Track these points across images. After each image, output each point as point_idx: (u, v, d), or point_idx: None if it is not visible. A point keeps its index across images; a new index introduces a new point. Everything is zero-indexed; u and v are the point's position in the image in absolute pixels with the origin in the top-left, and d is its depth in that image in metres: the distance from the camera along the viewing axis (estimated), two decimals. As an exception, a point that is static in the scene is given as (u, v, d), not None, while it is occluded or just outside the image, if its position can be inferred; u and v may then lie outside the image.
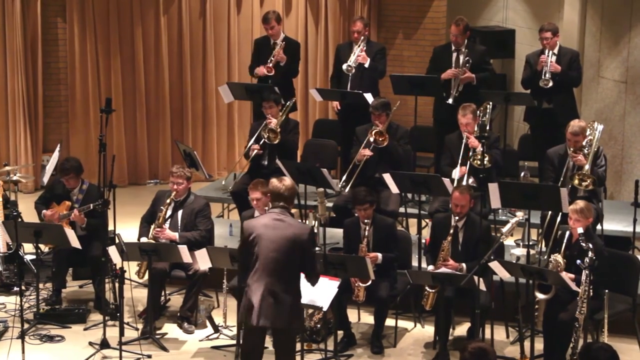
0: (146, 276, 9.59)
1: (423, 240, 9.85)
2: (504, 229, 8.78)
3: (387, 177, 9.90)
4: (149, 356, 9.00)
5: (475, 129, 10.35)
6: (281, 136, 11.03)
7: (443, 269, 9.03)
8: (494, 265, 8.60)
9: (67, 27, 13.54)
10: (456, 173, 10.25)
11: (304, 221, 9.99)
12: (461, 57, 11.62)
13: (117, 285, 9.02)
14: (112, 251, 9.08)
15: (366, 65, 11.91)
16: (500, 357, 8.81)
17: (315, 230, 9.69)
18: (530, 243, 9.86)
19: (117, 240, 8.98)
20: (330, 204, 10.73)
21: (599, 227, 9.95)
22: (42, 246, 10.39)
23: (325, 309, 8.57)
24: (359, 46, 11.94)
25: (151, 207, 10.04)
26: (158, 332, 9.49)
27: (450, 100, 11.52)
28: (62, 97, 13.78)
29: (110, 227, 9.63)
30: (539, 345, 8.82)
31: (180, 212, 9.85)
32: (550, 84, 11.17)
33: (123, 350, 8.73)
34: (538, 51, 11.44)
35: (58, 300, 9.94)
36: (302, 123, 13.49)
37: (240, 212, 10.70)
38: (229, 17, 13.99)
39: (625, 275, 8.93)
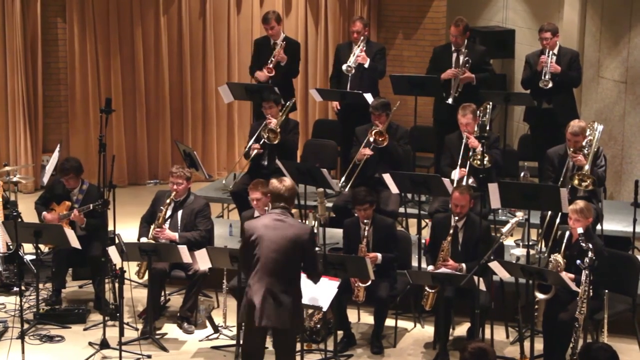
0: (146, 276, 9.59)
1: (423, 241, 9.85)
2: (504, 229, 8.78)
3: (387, 177, 9.90)
4: (149, 356, 9.00)
5: (475, 129, 10.34)
6: (281, 136, 11.03)
7: (443, 269, 9.03)
8: (494, 265, 8.60)
9: (67, 27, 13.55)
10: (455, 174, 10.25)
11: (303, 221, 9.99)
12: (461, 57, 11.62)
13: (117, 285, 9.02)
14: (112, 251, 9.08)
15: (366, 66, 11.91)
16: (500, 357, 8.81)
17: (315, 231, 9.69)
18: (530, 243, 9.86)
19: (117, 241, 8.98)
20: (330, 204, 10.73)
21: (598, 227, 9.95)
22: (42, 246, 10.39)
23: (325, 309, 8.57)
24: (358, 46, 11.94)
25: (151, 207, 10.04)
26: (158, 332, 9.49)
27: (450, 100, 11.52)
28: (62, 97, 13.79)
29: (110, 227, 9.63)
30: (539, 346, 8.82)
31: (180, 212, 9.85)
32: (550, 84, 11.18)
33: (123, 350, 8.73)
34: (538, 51, 11.44)
35: (58, 301, 9.94)
36: (302, 123, 13.49)
37: (240, 212, 10.70)
38: (228, 17, 13.99)
39: (625, 275, 8.93)
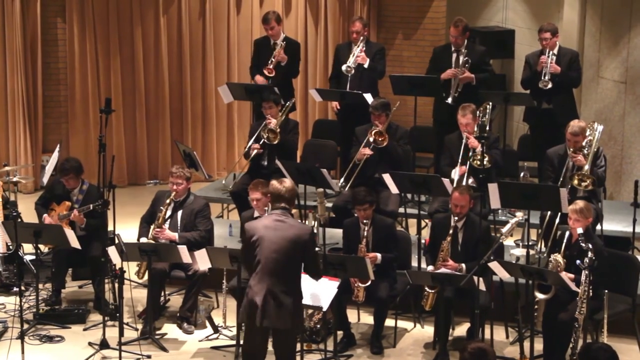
0: (146, 276, 9.59)
1: (423, 241, 9.85)
2: (504, 229, 8.79)
3: (387, 178, 9.90)
4: (149, 356, 9.00)
5: (475, 129, 10.34)
6: (281, 136, 11.02)
7: (443, 270, 9.03)
8: (494, 265, 8.60)
9: (66, 27, 13.55)
10: (456, 173, 10.25)
11: (303, 221, 9.99)
12: (461, 58, 11.62)
13: (116, 285, 9.02)
14: (112, 251, 9.08)
15: (365, 66, 11.90)
16: (499, 358, 8.82)
17: (315, 231, 9.68)
18: (530, 243, 9.87)
19: (116, 241, 8.98)
20: (329, 204, 10.73)
21: (598, 227, 9.95)
22: (41, 246, 10.38)
23: (325, 309, 8.57)
24: (358, 47, 11.93)
25: (151, 207, 10.04)
26: (158, 332, 9.49)
27: (449, 100, 11.52)
28: (61, 98, 13.79)
29: (110, 228, 9.63)
30: (539, 346, 8.82)
31: (179, 213, 9.85)
32: (550, 85, 11.17)
33: (123, 350, 8.73)
34: (538, 51, 11.44)
35: (58, 301, 9.94)
36: (302, 123, 13.49)
37: (240, 212, 10.70)
38: (228, 17, 13.99)
39: (624, 275, 8.93)
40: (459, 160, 10.30)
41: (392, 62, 13.64)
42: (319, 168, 10.11)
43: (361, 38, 11.95)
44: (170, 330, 9.62)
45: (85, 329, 9.57)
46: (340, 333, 9.23)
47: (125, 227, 10.51)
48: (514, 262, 9.36)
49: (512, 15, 14.12)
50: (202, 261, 9.15)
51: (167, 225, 9.81)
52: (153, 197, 10.13)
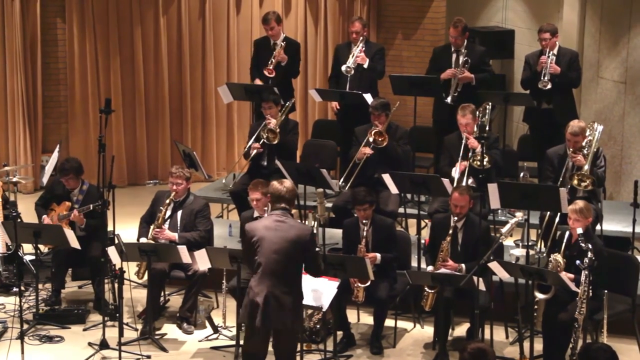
0: (145, 277, 9.59)
1: (422, 241, 9.85)
2: (504, 230, 8.79)
3: (387, 178, 9.90)
4: (149, 357, 9.00)
5: (475, 129, 10.34)
6: (280, 137, 11.02)
7: (442, 270, 9.03)
8: (494, 265, 8.60)
9: (66, 27, 13.54)
10: (456, 171, 10.25)
11: (303, 222, 9.99)
12: (460, 58, 11.62)
13: (116, 285, 9.02)
14: (112, 252, 9.08)
15: (365, 66, 11.90)
16: (499, 358, 8.82)
17: (315, 231, 9.68)
18: (530, 243, 9.87)
19: (116, 241, 8.98)
20: (329, 205, 10.73)
21: (598, 227, 9.95)
22: (41, 247, 10.38)
23: (324, 309, 8.57)
24: (357, 47, 11.93)
25: (150, 207, 10.04)
26: (157, 332, 9.49)
27: (448, 100, 11.53)
28: (61, 98, 13.79)
29: (110, 228, 9.63)
30: (538, 346, 8.82)
31: (179, 213, 9.85)
32: (549, 86, 11.17)
33: (122, 350, 8.73)
34: (537, 52, 11.44)
35: (57, 301, 9.94)
36: (302, 123, 13.49)
37: (240, 212, 10.70)
38: (228, 17, 13.99)
39: (624, 275, 8.92)
40: (459, 161, 10.30)
41: (391, 62, 13.64)
42: (319, 168, 10.11)
43: (361, 38, 11.95)
44: (170, 330, 9.62)
45: (85, 329, 9.57)
46: (340, 333, 9.23)
47: (125, 228, 10.51)
48: (513, 262, 9.36)
49: (511, 15, 14.12)
50: (202, 261, 9.15)
51: (166, 225, 9.81)
52: (153, 197, 10.13)
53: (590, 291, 8.23)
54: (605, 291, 8.70)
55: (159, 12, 13.75)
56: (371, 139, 10.60)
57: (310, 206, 10.46)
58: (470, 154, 10.23)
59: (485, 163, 9.94)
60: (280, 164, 10.36)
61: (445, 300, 8.91)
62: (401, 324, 9.66)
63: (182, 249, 9.10)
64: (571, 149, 9.82)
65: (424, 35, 14.04)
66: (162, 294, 9.93)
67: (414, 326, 9.73)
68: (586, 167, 9.69)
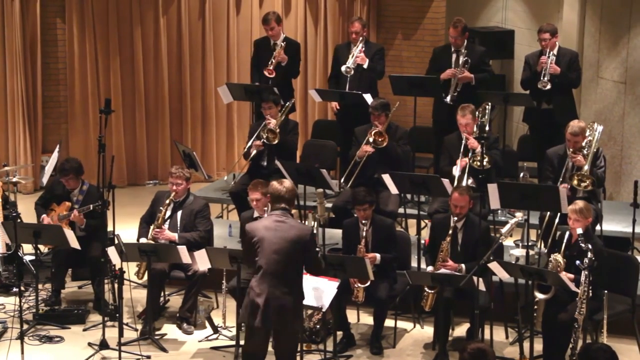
0: (145, 277, 9.59)
1: (422, 241, 9.85)
2: (503, 230, 8.79)
3: (387, 178, 9.90)
4: (148, 357, 9.00)
5: (475, 129, 10.35)
6: (280, 137, 11.02)
7: (442, 270, 9.03)
8: (493, 266, 8.60)
9: (66, 27, 13.55)
10: (457, 169, 10.25)
11: (303, 222, 9.99)
12: (460, 58, 11.62)
13: (116, 286, 9.02)
14: (112, 252, 9.08)
15: (365, 66, 11.90)
16: (499, 358, 8.81)
17: (315, 231, 9.68)
18: (530, 244, 9.86)
19: (116, 241, 8.98)
20: (329, 205, 10.73)
21: (598, 227, 9.95)
22: (41, 247, 10.38)
23: (324, 309, 8.57)
24: (357, 47, 11.93)
25: (150, 207, 10.04)
26: (157, 332, 9.49)
27: (447, 99, 11.52)
28: (61, 98, 13.79)
29: (110, 228, 9.63)
30: (538, 346, 8.82)
31: (179, 213, 9.85)
32: (549, 86, 11.17)
33: (122, 351, 8.73)
34: (537, 52, 11.44)
35: (57, 301, 9.94)
36: (302, 124, 13.49)
37: (240, 212, 10.70)
38: (228, 17, 13.99)
39: (624, 276, 8.93)
40: (460, 157, 10.30)
41: (391, 63, 13.64)
42: (319, 168, 10.11)
43: (360, 38, 11.95)
44: (169, 330, 9.62)
45: (84, 330, 9.57)
46: (339, 333, 9.23)
47: (125, 228, 10.50)
48: (513, 262, 9.36)
49: (511, 15, 14.12)
50: (202, 261, 9.15)
51: (166, 225, 9.81)
52: (153, 197, 10.13)
53: (590, 291, 8.23)
54: (605, 291, 8.70)
55: (158, 12, 13.75)
56: (371, 140, 10.60)
57: (310, 206, 10.46)
58: (470, 154, 10.23)
59: (485, 163, 9.94)
60: (280, 164, 10.36)
61: (445, 301, 8.91)
62: (401, 324, 9.66)
63: (182, 249, 9.11)
64: (571, 149, 9.82)
65: (423, 35, 14.05)
66: (162, 294, 9.93)
67: (414, 326, 9.73)
68: (586, 167, 9.69)
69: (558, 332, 8.54)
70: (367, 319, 9.63)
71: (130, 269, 9.55)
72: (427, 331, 9.56)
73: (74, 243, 9.39)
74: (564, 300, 8.58)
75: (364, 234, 9.23)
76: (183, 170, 9.91)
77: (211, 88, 13.92)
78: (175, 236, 9.72)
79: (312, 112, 14.22)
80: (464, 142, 10.30)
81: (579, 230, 8.55)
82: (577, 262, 8.28)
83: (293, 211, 9.10)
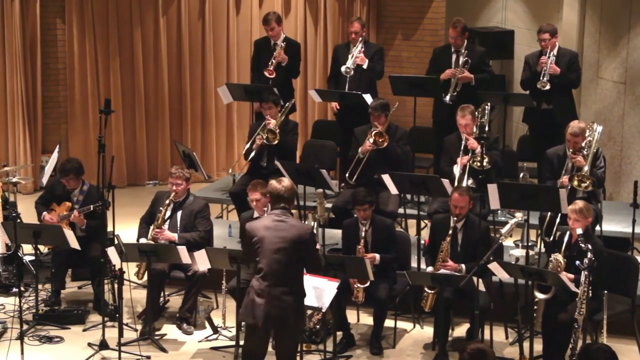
0: (145, 277, 9.59)
1: (422, 241, 9.85)
2: (503, 230, 8.79)
3: (386, 178, 9.90)
4: (148, 357, 9.00)
5: (474, 130, 10.35)
6: (280, 137, 11.02)
7: (442, 270, 9.03)
8: (493, 266, 8.60)
9: (66, 28, 13.55)
10: (457, 168, 10.25)
11: (303, 222, 9.98)
12: (461, 58, 11.62)
13: (116, 286, 9.02)
14: (111, 252, 9.08)
15: (364, 67, 11.90)
16: (499, 358, 8.81)
17: (315, 231, 9.68)
18: (529, 244, 9.86)
19: (116, 241, 8.98)
20: (329, 205, 10.73)
21: (598, 228, 9.95)
22: (41, 247, 10.38)
23: (324, 309, 8.57)
24: (356, 47, 11.93)
25: (150, 208, 10.04)
26: (157, 333, 9.49)
27: (447, 99, 11.52)
28: (61, 98, 13.79)
29: (110, 228, 9.63)
30: (538, 346, 8.82)
31: (179, 213, 9.85)
32: (548, 86, 11.17)
33: (122, 351, 8.73)
34: (537, 52, 11.44)
35: (57, 301, 9.94)
36: (301, 124, 13.49)
37: (239, 213, 10.70)
38: (228, 18, 13.99)
39: (624, 276, 8.93)
40: (460, 156, 10.30)
41: (391, 63, 13.64)
42: (319, 169, 10.11)
43: (360, 39, 11.95)
44: (169, 330, 9.62)
45: (84, 330, 9.57)
46: (339, 334, 9.23)
47: (125, 228, 10.51)
48: (513, 262, 9.36)
49: (511, 15, 14.12)
50: (202, 262, 9.15)
51: (166, 225, 9.81)
52: (152, 197, 10.13)
53: (590, 291, 8.23)
54: (605, 291, 8.69)
55: (158, 12, 13.75)
56: (372, 140, 10.59)
57: (310, 207, 10.46)
58: (470, 154, 10.23)
59: (485, 164, 9.94)
60: (279, 164, 10.36)
61: (445, 301, 8.91)
62: (401, 324, 9.66)
63: (182, 250, 9.11)
64: (571, 150, 9.82)
65: (423, 35, 14.04)
66: (162, 294, 9.93)
67: (414, 327, 9.73)
68: (586, 167, 9.69)
69: (558, 333, 8.54)
70: (367, 319, 9.63)
71: (130, 269, 9.55)
72: (427, 331, 9.56)
73: (74, 243, 9.39)
74: (564, 301, 8.58)
75: (364, 234, 9.23)
76: (183, 171, 9.91)
77: (211, 88, 13.92)
78: (175, 236, 9.72)
79: (312, 113, 14.23)
80: (463, 142, 10.30)
81: (579, 231, 8.55)
82: (577, 262, 8.28)
83: (293, 211, 9.10)
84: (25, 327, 9.21)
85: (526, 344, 8.84)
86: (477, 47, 12.14)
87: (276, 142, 11.00)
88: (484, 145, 9.85)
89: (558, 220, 9.60)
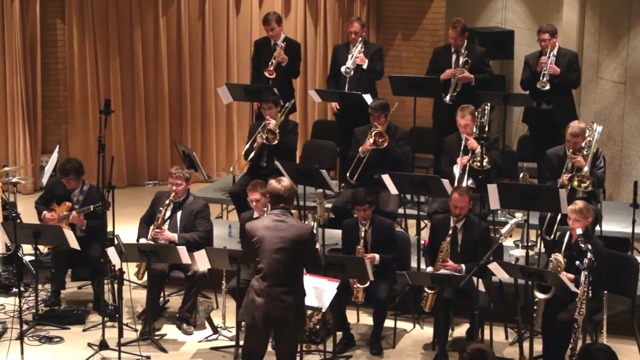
0: (145, 277, 9.59)
1: (422, 242, 9.85)
2: (503, 230, 8.79)
3: (386, 178, 9.90)
4: (148, 357, 9.00)
5: (474, 130, 10.35)
6: (280, 137, 11.02)
7: (442, 270, 9.03)
8: (493, 266, 8.60)
9: (66, 28, 13.55)
10: (457, 169, 10.25)
11: (303, 222, 9.98)
12: (461, 58, 11.62)
13: (116, 286, 9.01)
14: (111, 252, 9.08)
15: (364, 67, 11.90)
16: (499, 358, 8.81)
17: (315, 231, 9.67)
18: (529, 244, 9.86)
19: (116, 241, 8.98)
20: (329, 205, 10.73)
21: (597, 228, 9.95)
22: (41, 247, 10.38)
23: (324, 309, 8.57)
24: (356, 48, 11.93)
25: (150, 208, 10.04)
26: (157, 333, 9.49)
27: (447, 99, 11.52)
28: (61, 98, 13.79)
29: (110, 228, 9.63)
30: (538, 346, 8.82)
31: (179, 213, 9.85)
32: (547, 86, 11.17)
33: (122, 351, 8.73)
34: (537, 52, 11.44)
35: (57, 302, 9.94)
36: (301, 124, 13.49)
37: (239, 213, 10.70)
38: (227, 18, 13.99)
39: (624, 276, 8.93)
40: (460, 156, 10.30)
41: (391, 63, 13.64)
42: (318, 169, 10.12)
43: (359, 39, 11.95)
44: (169, 331, 9.62)
45: (84, 330, 9.57)
46: (339, 334, 9.23)
47: (125, 228, 10.51)
48: (513, 262, 9.36)
49: (511, 16, 14.12)
50: (202, 262, 9.15)
51: (166, 226, 9.81)
52: (152, 197, 10.13)
53: (590, 292, 8.23)
54: (605, 292, 8.69)
55: (158, 12, 13.75)
56: (372, 140, 10.59)
57: (310, 207, 10.46)
58: (469, 154, 10.23)
59: (484, 164, 9.94)
60: (279, 164, 10.36)
61: (445, 301, 8.91)
62: (401, 324, 9.66)
63: (182, 250, 9.11)
64: (571, 150, 9.82)
65: (423, 35, 14.05)
66: (162, 294, 9.93)
67: (414, 327, 9.73)
68: (586, 168, 9.69)
69: (558, 333, 8.54)
70: (367, 320, 9.63)
71: (130, 270, 9.55)
72: (426, 331, 9.56)
73: (74, 243, 9.39)
74: (564, 301, 8.58)
75: (363, 234, 9.23)
76: (183, 171, 9.91)
77: (211, 88, 13.92)
78: (175, 236, 9.72)
79: (312, 113, 14.23)
80: (463, 142, 10.30)
81: (579, 231, 8.55)
82: (577, 262, 8.28)
83: (293, 211, 9.10)
84: (25, 327, 9.21)
85: (526, 344, 8.84)
86: (477, 47, 12.14)
87: (276, 142, 11.00)
88: (484, 145, 9.85)
89: (559, 218, 9.60)
